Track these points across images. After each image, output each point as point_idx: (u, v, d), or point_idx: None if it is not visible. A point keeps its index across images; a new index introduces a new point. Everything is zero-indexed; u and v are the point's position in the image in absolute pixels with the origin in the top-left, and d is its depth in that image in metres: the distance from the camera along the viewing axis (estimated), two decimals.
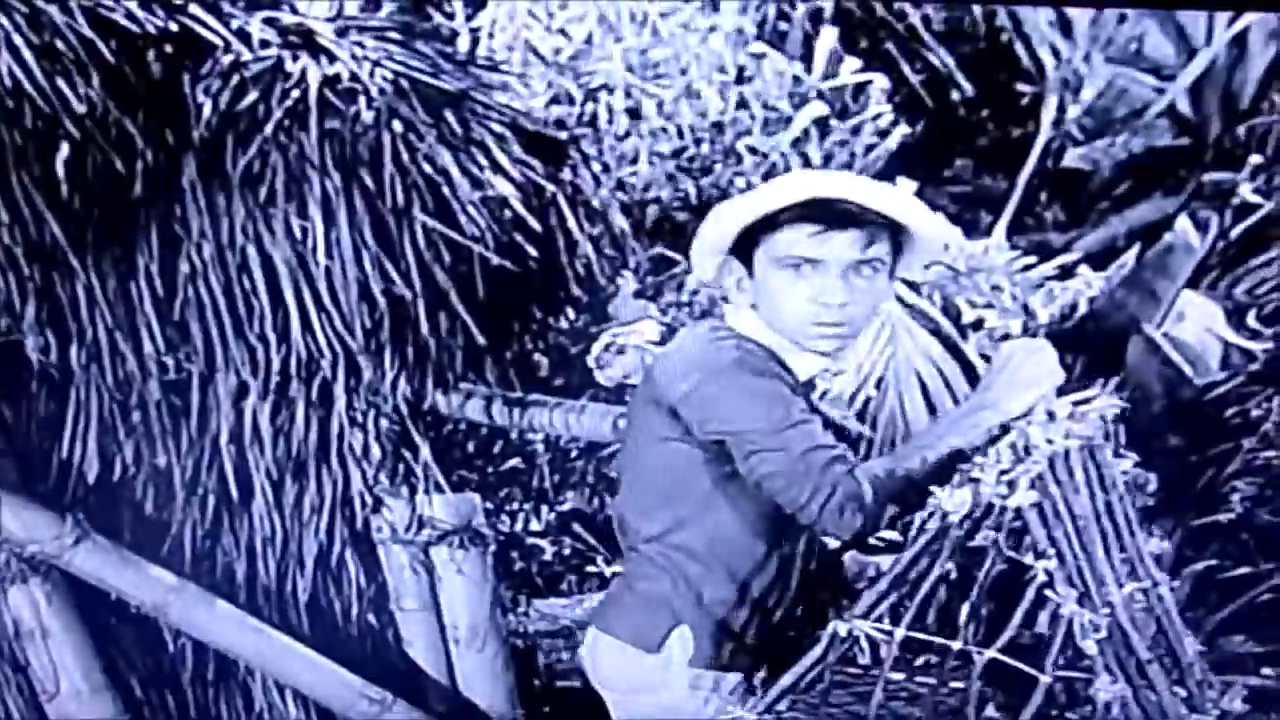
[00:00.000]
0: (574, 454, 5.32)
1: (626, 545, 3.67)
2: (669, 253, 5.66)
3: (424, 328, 4.46)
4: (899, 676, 3.31)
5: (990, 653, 3.18)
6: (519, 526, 5.34)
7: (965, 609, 3.22)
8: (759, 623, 3.58)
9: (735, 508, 3.49)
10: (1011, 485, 3.19)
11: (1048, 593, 3.16)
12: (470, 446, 4.97)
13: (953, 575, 3.25)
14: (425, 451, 4.68)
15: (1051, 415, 3.25)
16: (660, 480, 3.53)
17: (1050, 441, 3.20)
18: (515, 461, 5.17)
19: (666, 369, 3.52)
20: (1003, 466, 3.22)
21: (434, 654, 4.81)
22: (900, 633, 3.24)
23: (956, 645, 3.21)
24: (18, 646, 4.57)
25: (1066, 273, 5.99)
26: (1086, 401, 3.25)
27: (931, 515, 3.27)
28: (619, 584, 3.72)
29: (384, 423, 4.62)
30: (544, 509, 5.38)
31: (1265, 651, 4.63)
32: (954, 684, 3.24)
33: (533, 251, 4.54)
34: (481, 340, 4.55)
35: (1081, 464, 3.21)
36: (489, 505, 4.91)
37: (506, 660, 4.87)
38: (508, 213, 4.47)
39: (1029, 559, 3.17)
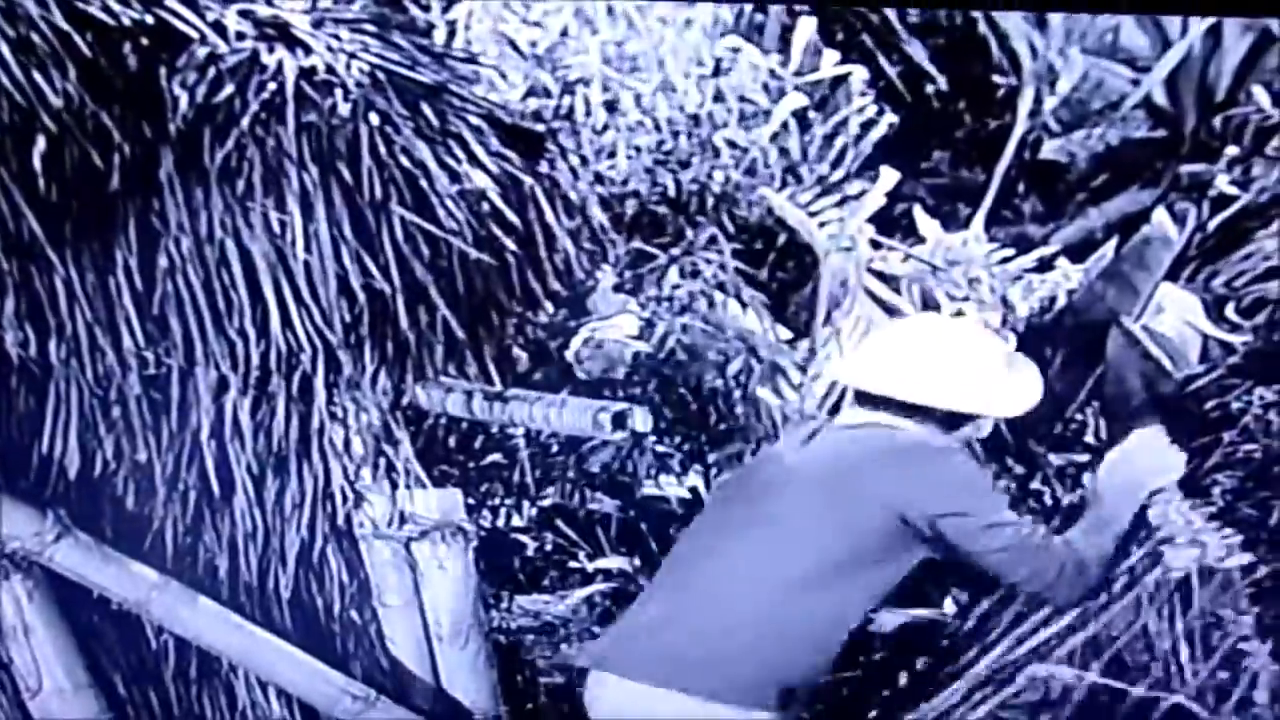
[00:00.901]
0: (555, 449, 5.33)
1: (729, 605, 3.80)
2: (648, 247, 5.67)
3: (403, 322, 4.44)
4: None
5: (1176, 698, 3.42)
6: (501, 522, 5.34)
7: (1153, 657, 3.51)
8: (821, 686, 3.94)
9: (886, 580, 3.85)
10: (1229, 549, 3.50)
11: (1243, 646, 3.41)
12: (451, 441, 4.97)
13: (1149, 626, 3.54)
14: (406, 446, 4.67)
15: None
16: (839, 550, 3.81)
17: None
18: (496, 456, 5.17)
19: (873, 457, 3.90)
20: (1226, 533, 3.54)
21: (417, 650, 4.79)
22: (1090, 677, 3.46)
23: (1138, 691, 3.45)
24: (0, 644, 4.57)
25: (1045, 265, 6.00)
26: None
27: (1150, 570, 3.59)
28: (697, 644, 3.82)
29: (365, 417, 4.62)
30: (525, 504, 5.38)
31: None
32: None
33: (511, 245, 4.52)
34: (461, 334, 4.54)
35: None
36: (470, 500, 4.91)
37: (489, 657, 4.85)
38: (485, 206, 4.46)
39: (1230, 614, 3.48)
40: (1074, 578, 3.71)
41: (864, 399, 4.05)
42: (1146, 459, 4.03)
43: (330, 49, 4.37)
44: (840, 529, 3.78)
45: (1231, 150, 6.22)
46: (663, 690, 3.82)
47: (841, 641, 3.83)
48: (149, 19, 4.24)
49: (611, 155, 5.70)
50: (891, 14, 6.58)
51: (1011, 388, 4.06)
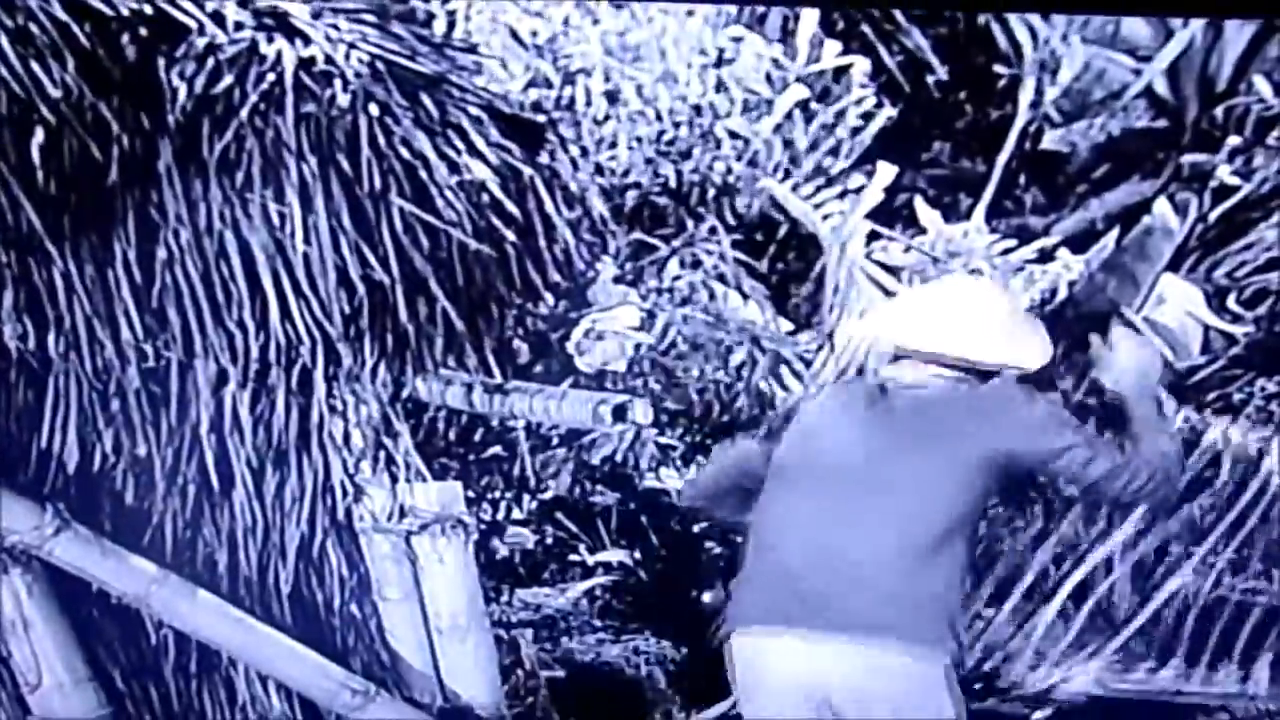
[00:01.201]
0: (555, 441, 5.32)
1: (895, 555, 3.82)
2: (649, 238, 5.66)
3: (403, 314, 4.43)
4: None
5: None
6: (501, 515, 5.33)
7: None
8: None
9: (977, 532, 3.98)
10: None
11: None
12: (451, 434, 4.95)
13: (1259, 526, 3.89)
14: (406, 439, 4.65)
15: None
16: (957, 501, 3.87)
17: None
18: (496, 449, 5.16)
19: (982, 406, 3.94)
20: None
21: (417, 644, 4.78)
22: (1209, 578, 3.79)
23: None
24: None
25: (1046, 256, 6.00)
26: None
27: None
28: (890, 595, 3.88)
29: (364, 410, 4.60)
30: (525, 497, 5.37)
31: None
32: None
33: (511, 236, 4.51)
34: (460, 326, 4.52)
35: None
36: (470, 493, 4.90)
37: (489, 650, 4.84)
38: (485, 197, 4.45)
39: None
40: (1173, 474, 3.91)
41: (899, 356, 4.10)
42: (1134, 359, 4.08)
43: (329, 39, 4.35)
44: (959, 485, 3.86)
45: (1233, 141, 6.21)
46: (831, 638, 3.86)
47: (964, 593, 3.93)
48: (147, 9, 4.23)
49: (612, 146, 5.69)
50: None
51: (1037, 341, 4.16)
